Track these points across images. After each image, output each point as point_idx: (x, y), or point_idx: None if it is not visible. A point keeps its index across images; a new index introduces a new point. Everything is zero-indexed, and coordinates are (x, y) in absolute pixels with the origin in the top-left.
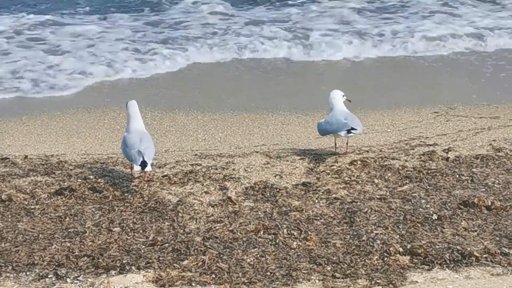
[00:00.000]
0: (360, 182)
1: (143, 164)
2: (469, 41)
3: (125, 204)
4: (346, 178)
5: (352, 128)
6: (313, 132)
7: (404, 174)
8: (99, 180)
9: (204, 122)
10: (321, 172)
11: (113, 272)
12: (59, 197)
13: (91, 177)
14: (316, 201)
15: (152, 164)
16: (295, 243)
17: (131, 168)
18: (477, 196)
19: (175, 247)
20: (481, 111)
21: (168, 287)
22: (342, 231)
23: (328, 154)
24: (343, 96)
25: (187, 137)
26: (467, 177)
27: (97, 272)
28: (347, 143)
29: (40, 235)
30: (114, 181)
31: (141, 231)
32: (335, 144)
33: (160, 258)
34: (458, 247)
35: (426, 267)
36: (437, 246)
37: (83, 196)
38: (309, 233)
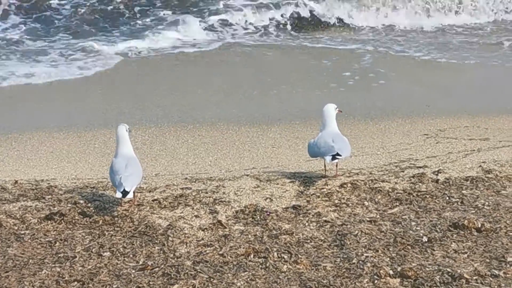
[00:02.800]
0: (350, 204)
1: (124, 193)
2: None
3: (115, 228)
4: (336, 201)
5: (337, 154)
6: (303, 155)
7: (394, 196)
8: (89, 204)
9: (194, 146)
10: (311, 195)
11: None
12: (49, 222)
13: (81, 201)
14: (306, 224)
15: (135, 190)
16: (285, 266)
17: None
18: (467, 218)
19: (165, 272)
20: (470, 133)
21: None
22: (332, 254)
23: (318, 177)
24: (336, 108)
25: (177, 161)
26: (457, 199)
27: None
28: (336, 165)
29: (30, 260)
30: (104, 206)
31: (131, 256)
32: (325, 167)
33: (150, 283)
34: (448, 269)
35: None
36: (427, 269)
37: (73, 221)
38: (299, 256)
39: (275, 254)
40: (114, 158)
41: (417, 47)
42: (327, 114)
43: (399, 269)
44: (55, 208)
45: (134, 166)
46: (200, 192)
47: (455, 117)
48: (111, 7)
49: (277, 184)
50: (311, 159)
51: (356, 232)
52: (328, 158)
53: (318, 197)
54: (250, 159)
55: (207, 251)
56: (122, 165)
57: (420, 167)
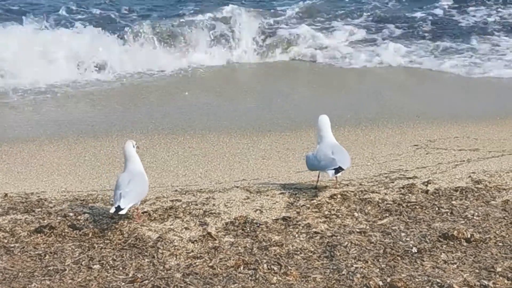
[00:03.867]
0: (340, 216)
1: (118, 209)
2: None
3: (105, 241)
4: (326, 212)
5: (340, 168)
6: (293, 166)
7: (384, 207)
8: (79, 217)
9: (184, 158)
10: (301, 206)
11: None
12: (39, 235)
13: (71, 214)
14: (296, 235)
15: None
16: (275, 278)
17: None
18: (456, 229)
19: (155, 284)
20: (460, 143)
21: None
22: (322, 265)
23: (308, 188)
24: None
25: (167, 173)
26: (447, 210)
27: None
28: (336, 178)
29: (20, 274)
30: (94, 218)
31: (121, 268)
32: (318, 178)
33: None
34: (437, 280)
35: None
36: (417, 279)
37: (63, 233)
38: (289, 267)
39: (265, 265)
40: (120, 173)
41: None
42: (323, 125)
43: (388, 280)
44: (45, 221)
45: (137, 182)
46: (190, 204)
47: (445, 128)
48: None
49: (267, 195)
50: (301, 170)
51: (346, 243)
52: (330, 172)
53: (308, 208)
54: (240, 171)
55: (197, 263)
56: (126, 181)
57: (410, 178)
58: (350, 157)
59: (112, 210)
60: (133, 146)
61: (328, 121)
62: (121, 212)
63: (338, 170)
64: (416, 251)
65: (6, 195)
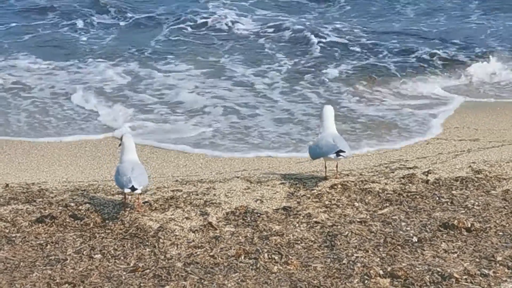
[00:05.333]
0: (340, 205)
1: (133, 188)
2: None
3: (106, 231)
4: (327, 202)
5: (341, 151)
6: (294, 157)
7: (384, 197)
8: (80, 207)
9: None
10: (302, 196)
11: None
12: (40, 225)
13: (72, 204)
14: (297, 225)
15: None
16: (275, 267)
17: (124, 197)
18: (457, 218)
19: (156, 273)
20: (460, 133)
21: None
22: (323, 255)
23: (308, 178)
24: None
25: (168, 164)
26: (447, 199)
27: None
28: (336, 167)
29: (21, 263)
30: (95, 208)
31: (122, 258)
32: (325, 168)
33: (141, 285)
34: (438, 269)
35: None
36: (417, 268)
37: (64, 223)
38: (290, 257)
39: (266, 255)
40: (119, 164)
41: None
42: (326, 116)
43: (389, 269)
44: (46, 211)
45: (140, 170)
46: (191, 194)
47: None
48: None
49: (268, 185)
50: (301, 161)
51: (347, 232)
52: (333, 155)
53: (309, 198)
54: (240, 161)
55: (198, 253)
56: (129, 168)
57: (410, 168)
58: (350, 148)
59: (127, 190)
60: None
61: (332, 112)
62: (137, 191)
63: (339, 153)
64: (416, 240)
65: (7, 185)
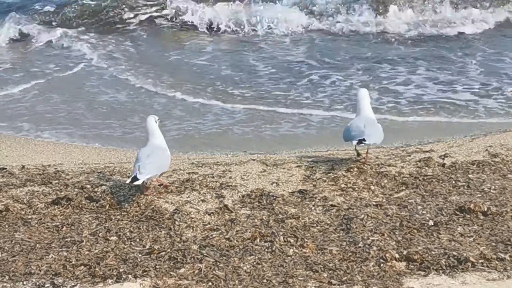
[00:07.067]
0: (356, 189)
1: (134, 179)
2: None
3: (122, 213)
4: (343, 185)
5: (363, 140)
6: (309, 139)
7: (400, 180)
8: (96, 189)
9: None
10: (318, 179)
11: (110, 281)
12: (56, 206)
13: (88, 186)
14: (313, 208)
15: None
16: (291, 250)
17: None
18: (473, 202)
19: (172, 256)
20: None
21: None
22: (338, 238)
23: (324, 161)
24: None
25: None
26: (463, 183)
27: (94, 281)
28: (367, 152)
29: (37, 245)
30: (111, 190)
31: (137, 240)
32: (356, 151)
33: (157, 267)
34: (454, 253)
35: (422, 273)
36: (433, 252)
37: (80, 205)
38: (306, 240)
39: (281, 238)
40: (142, 147)
41: None
42: (362, 99)
43: (405, 252)
44: (62, 193)
45: (156, 156)
46: (207, 176)
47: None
48: None
49: (284, 168)
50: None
51: (362, 216)
52: (354, 142)
53: (325, 181)
54: (256, 143)
55: (214, 235)
56: (145, 154)
57: (427, 151)
58: (382, 133)
59: (128, 180)
60: (155, 121)
61: (367, 95)
62: (135, 183)
63: (361, 141)
64: (432, 224)
65: (23, 167)
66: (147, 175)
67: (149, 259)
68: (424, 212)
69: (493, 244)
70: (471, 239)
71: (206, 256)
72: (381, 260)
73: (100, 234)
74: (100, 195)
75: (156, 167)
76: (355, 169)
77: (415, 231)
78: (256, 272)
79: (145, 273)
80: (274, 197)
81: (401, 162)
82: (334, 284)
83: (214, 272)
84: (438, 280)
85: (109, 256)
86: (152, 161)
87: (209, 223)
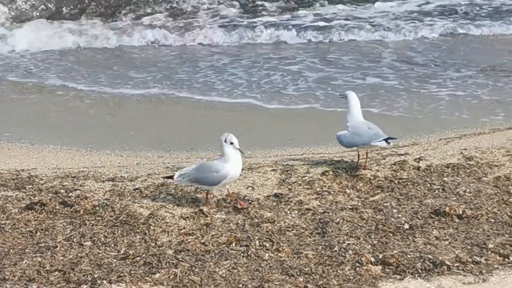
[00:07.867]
0: (332, 192)
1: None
2: None
3: (96, 218)
4: (318, 189)
5: (390, 138)
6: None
7: (375, 184)
8: (70, 194)
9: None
10: (293, 183)
11: (84, 286)
12: (30, 212)
13: (62, 191)
14: (288, 212)
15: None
16: (267, 254)
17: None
18: (448, 205)
19: (147, 261)
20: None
21: None
22: (314, 242)
23: (299, 165)
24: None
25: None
26: (438, 186)
27: (68, 287)
28: (366, 156)
29: (11, 250)
30: (85, 195)
31: (112, 245)
32: (358, 157)
33: (132, 272)
34: (429, 256)
35: (398, 276)
36: (408, 256)
37: (54, 210)
38: (281, 244)
39: (257, 242)
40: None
41: None
42: (355, 102)
43: (380, 256)
44: (36, 198)
45: (201, 170)
46: None
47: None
48: None
49: (259, 172)
50: (293, 147)
51: (338, 219)
52: (382, 143)
53: (300, 185)
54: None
55: (189, 240)
56: (193, 165)
57: (402, 155)
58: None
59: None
60: (225, 141)
61: (357, 98)
62: (170, 180)
63: (387, 140)
64: (408, 227)
65: None
66: (180, 179)
67: (124, 264)
68: (399, 215)
69: (469, 247)
70: (447, 242)
71: (182, 260)
72: (357, 264)
73: (74, 239)
74: (74, 200)
75: (193, 179)
76: (330, 172)
77: (391, 234)
78: (231, 276)
79: (120, 278)
80: (250, 201)
81: (376, 166)
82: None
83: (189, 277)
84: (414, 284)
85: (83, 261)
86: (192, 173)
87: (184, 228)
